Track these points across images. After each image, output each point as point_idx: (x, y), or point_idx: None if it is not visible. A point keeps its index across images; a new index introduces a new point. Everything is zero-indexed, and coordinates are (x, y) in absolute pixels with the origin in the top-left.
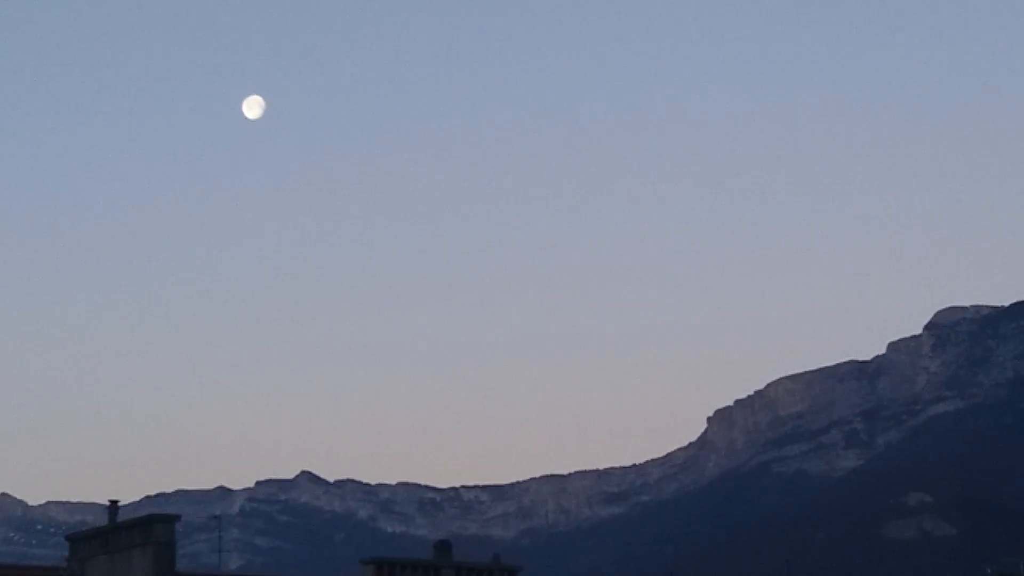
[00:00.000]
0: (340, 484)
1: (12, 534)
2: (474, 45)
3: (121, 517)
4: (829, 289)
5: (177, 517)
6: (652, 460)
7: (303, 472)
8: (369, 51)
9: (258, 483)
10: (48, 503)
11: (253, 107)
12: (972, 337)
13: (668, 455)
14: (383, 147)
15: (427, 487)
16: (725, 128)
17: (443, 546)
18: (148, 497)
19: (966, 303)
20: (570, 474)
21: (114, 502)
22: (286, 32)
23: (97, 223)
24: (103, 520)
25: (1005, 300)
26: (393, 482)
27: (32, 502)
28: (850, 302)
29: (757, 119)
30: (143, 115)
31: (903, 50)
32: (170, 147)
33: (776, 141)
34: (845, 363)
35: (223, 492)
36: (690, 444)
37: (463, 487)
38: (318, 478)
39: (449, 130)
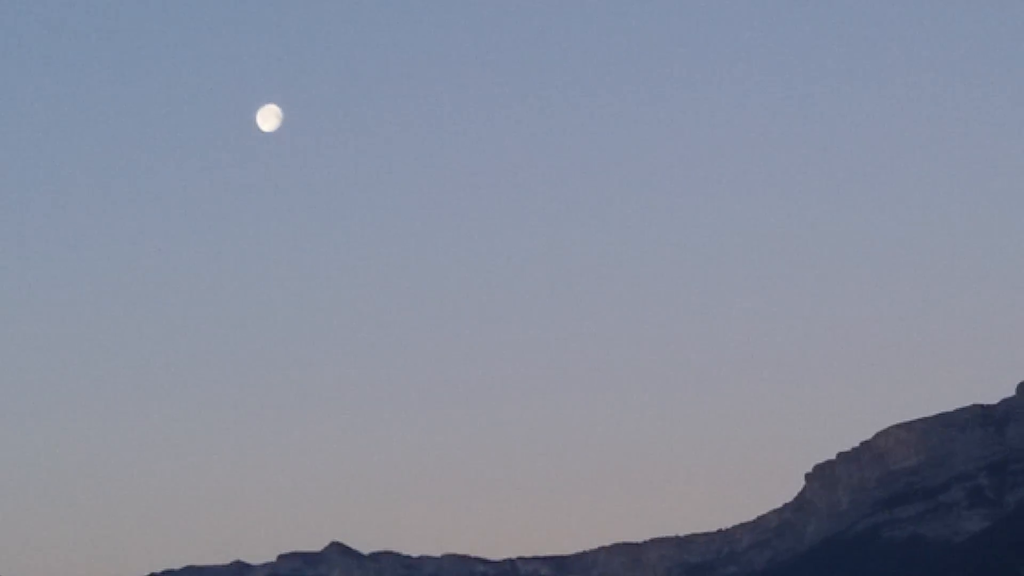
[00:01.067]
0: (376, 557)
1: None
2: (495, 53)
3: None
4: (948, 321)
5: None
6: (741, 524)
7: (333, 543)
8: (388, 55)
9: (281, 557)
10: None
11: (269, 117)
12: None
13: (760, 519)
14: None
15: (478, 559)
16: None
17: None
18: (154, 575)
19: None
20: (645, 542)
21: None
22: (303, 38)
23: (100, 249)
24: None
25: None
26: (438, 554)
27: None
28: (973, 335)
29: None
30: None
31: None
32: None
33: (889, 153)
34: (967, 408)
35: (240, 568)
36: (785, 506)
37: (520, 559)
38: (351, 550)
39: (476, 144)
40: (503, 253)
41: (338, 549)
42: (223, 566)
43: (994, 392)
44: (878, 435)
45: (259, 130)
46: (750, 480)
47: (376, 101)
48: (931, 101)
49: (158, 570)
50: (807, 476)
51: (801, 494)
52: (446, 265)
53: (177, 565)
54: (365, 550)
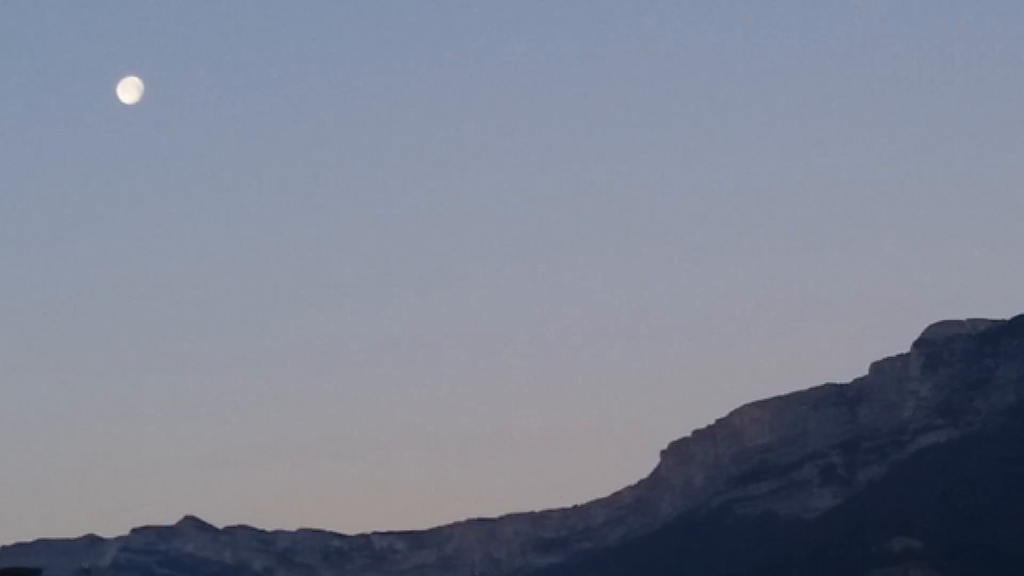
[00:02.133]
0: (231, 531)
1: None
2: (365, 22)
3: None
4: (803, 303)
5: (39, 571)
6: (596, 501)
7: (187, 518)
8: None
9: (134, 531)
10: None
11: (130, 90)
12: (968, 356)
13: (615, 495)
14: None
15: (333, 534)
16: (692, 132)
17: None
18: (5, 547)
19: (962, 317)
20: (500, 518)
21: None
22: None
23: None
24: None
25: (1007, 313)
26: (293, 528)
27: None
28: (828, 317)
29: (739, 123)
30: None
31: (896, 52)
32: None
33: (749, 143)
34: (821, 387)
35: (92, 541)
36: (640, 483)
37: (375, 534)
38: (205, 524)
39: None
40: (357, 235)
41: (192, 523)
42: (75, 540)
43: (847, 372)
44: (733, 413)
45: (119, 102)
46: (605, 457)
47: (238, 73)
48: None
49: (9, 543)
50: (662, 453)
51: (656, 471)
52: (298, 242)
53: (29, 538)
54: (220, 524)
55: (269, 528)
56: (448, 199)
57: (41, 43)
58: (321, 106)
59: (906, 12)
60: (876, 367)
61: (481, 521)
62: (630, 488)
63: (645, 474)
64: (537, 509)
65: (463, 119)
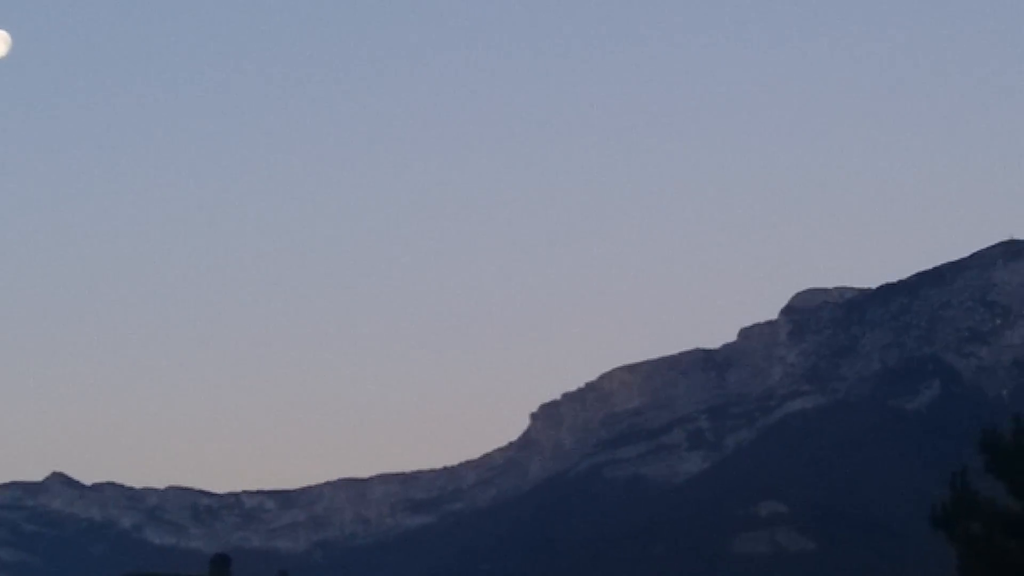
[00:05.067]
0: (99, 488)
1: None
2: None
3: None
4: (672, 268)
5: None
6: (466, 463)
7: (54, 474)
8: None
9: (0, 486)
10: None
11: None
12: (835, 324)
13: (485, 456)
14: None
15: (202, 492)
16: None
17: (220, 561)
18: None
19: (828, 285)
20: (371, 478)
21: None
22: None
23: None
24: None
25: (872, 282)
26: (162, 486)
27: None
28: (697, 283)
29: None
30: None
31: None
32: None
33: (620, 108)
34: (689, 352)
35: None
36: (510, 444)
37: (245, 492)
38: (73, 481)
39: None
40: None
41: (60, 479)
42: None
43: (717, 337)
44: (603, 376)
45: None
46: (475, 419)
47: (106, 24)
48: None
49: None
50: (532, 416)
51: (526, 433)
52: (185, 202)
53: None
54: (88, 480)
55: (138, 485)
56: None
57: None
58: (184, 43)
59: None
60: (744, 333)
61: (351, 481)
62: (500, 450)
63: (515, 436)
64: (407, 470)
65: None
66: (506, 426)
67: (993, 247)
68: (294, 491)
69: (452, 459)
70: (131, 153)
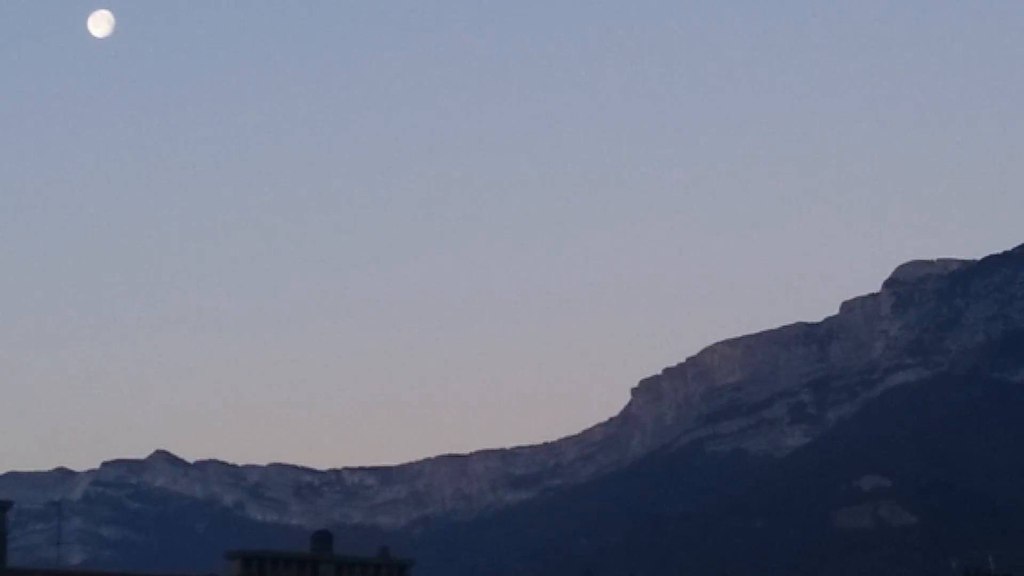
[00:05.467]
0: (201, 465)
1: None
2: None
3: None
4: (774, 242)
5: (9, 504)
6: (567, 438)
7: (158, 452)
8: None
9: (105, 464)
10: None
11: (101, 24)
12: (938, 296)
13: (585, 432)
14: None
15: (304, 469)
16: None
17: (322, 537)
18: None
19: (932, 257)
20: (471, 454)
21: None
22: None
23: None
24: None
25: (977, 254)
26: (264, 463)
27: None
28: (798, 257)
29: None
30: None
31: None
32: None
33: (710, 90)
34: (791, 326)
35: (63, 475)
36: (611, 420)
37: (346, 469)
38: (176, 459)
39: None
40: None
41: (163, 457)
42: (46, 472)
43: (818, 310)
44: (704, 351)
45: (91, 36)
46: (576, 394)
47: (207, 8)
48: None
49: None
50: (633, 391)
51: (627, 408)
52: (271, 185)
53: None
54: (191, 458)
55: (240, 463)
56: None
57: None
58: (291, 40)
59: None
60: (846, 306)
61: (452, 457)
62: (601, 425)
63: (616, 412)
64: (508, 446)
65: None
66: (607, 402)
67: None
68: (395, 467)
69: (552, 435)
70: (228, 131)
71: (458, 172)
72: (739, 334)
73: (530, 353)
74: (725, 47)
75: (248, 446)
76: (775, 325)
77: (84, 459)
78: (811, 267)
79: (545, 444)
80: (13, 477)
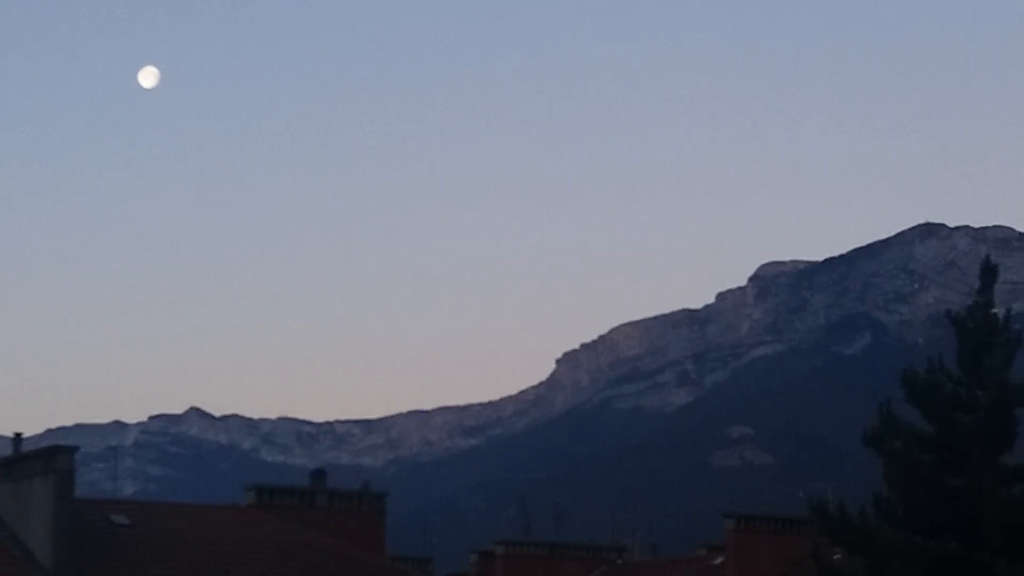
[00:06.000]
0: (225, 419)
1: None
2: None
3: (25, 448)
4: (666, 244)
5: (76, 448)
6: (506, 397)
7: (192, 408)
8: (257, 20)
9: (151, 417)
10: None
11: (148, 77)
12: (790, 288)
13: (521, 392)
14: (276, 115)
15: (304, 421)
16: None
17: (318, 474)
18: (49, 430)
19: (785, 258)
20: (433, 410)
21: (18, 435)
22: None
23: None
24: (8, 451)
25: (819, 256)
26: (274, 417)
27: None
28: (684, 257)
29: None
30: (42, 85)
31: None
32: (69, 116)
33: (599, 90)
34: (679, 311)
35: (119, 426)
36: (540, 383)
37: (337, 421)
38: (206, 413)
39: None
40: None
41: (196, 412)
42: (105, 424)
43: (699, 299)
44: (611, 330)
45: (140, 87)
46: (514, 362)
47: (243, 64)
48: None
49: (53, 426)
50: (557, 361)
51: (552, 375)
52: (312, 207)
53: (69, 422)
54: (217, 413)
55: (256, 416)
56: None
57: (72, 36)
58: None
59: None
60: (720, 296)
61: (418, 412)
62: (532, 387)
63: (544, 377)
64: (461, 403)
65: None
66: (537, 369)
67: (912, 228)
68: (374, 419)
69: (495, 395)
70: (268, 167)
71: (416, 140)
72: (639, 317)
73: (478, 329)
74: (591, 42)
75: (261, 403)
76: (666, 310)
77: (134, 413)
78: (694, 265)
79: (490, 402)
80: (79, 428)
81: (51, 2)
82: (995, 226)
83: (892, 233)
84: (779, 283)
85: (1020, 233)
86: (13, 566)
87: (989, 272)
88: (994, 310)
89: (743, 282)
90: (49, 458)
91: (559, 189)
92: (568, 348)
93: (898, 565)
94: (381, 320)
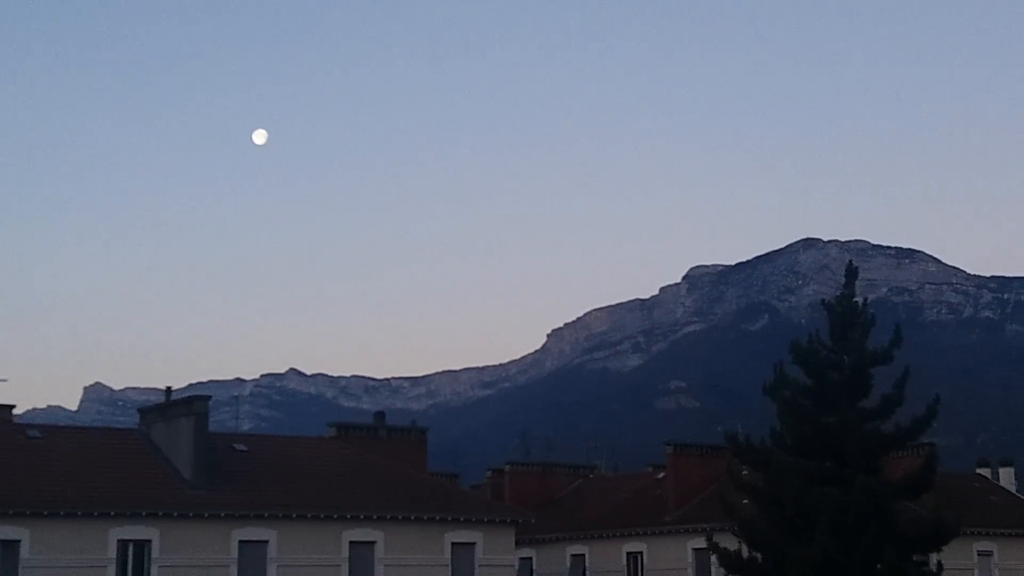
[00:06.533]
0: (314, 376)
1: (103, 408)
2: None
3: (173, 397)
4: (625, 250)
5: (209, 397)
6: (512, 360)
7: (290, 368)
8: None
9: (262, 375)
10: (126, 388)
11: (260, 137)
12: (711, 284)
13: (522, 357)
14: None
15: (370, 378)
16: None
17: (380, 416)
18: (191, 384)
19: (708, 262)
20: (460, 369)
21: (169, 387)
22: (286, 74)
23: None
24: (162, 399)
25: (732, 260)
26: (348, 374)
27: (116, 387)
28: (637, 259)
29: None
30: (174, 141)
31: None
32: (191, 168)
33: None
34: (633, 300)
35: (239, 381)
36: (536, 351)
37: (393, 377)
38: (300, 372)
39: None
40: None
41: (293, 371)
42: (230, 380)
43: (648, 291)
44: (586, 313)
45: (253, 144)
46: (519, 334)
47: (345, 126)
48: None
49: (194, 381)
50: (547, 335)
51: (544, 345)
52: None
53: (204, 379)
54: (308, 372)
55: (335, 374)
56: None
57: (200, 103)
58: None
59: None
60: (663, 289)
61: (449, 371)
62: (530, 353)
63: (539, 346)
64: (480, 365)
65: None
66: (534, 340)
67: (798, 241)
68: (419, 376)
69: (504, 359)
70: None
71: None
72: (605, 304)
73: (492, 312)
74: (529, 56)
75: (340, 363)
76: (625, 299)
77: (250, 371)
78: (644, 266)
79: (500, 364)
80: (212, 383)
81: (186, 71)
82: (856, 239)
83: (783, 245)
84: (704, 280)
85: (874, 244)
86: (167, 480)
87: (851, 273)
88: (855, 299)
89: (679, 279)
90: (190, 404)
91: (553, 210)
92: (556, 326)
93: (787, 479)
94: (426, 308)
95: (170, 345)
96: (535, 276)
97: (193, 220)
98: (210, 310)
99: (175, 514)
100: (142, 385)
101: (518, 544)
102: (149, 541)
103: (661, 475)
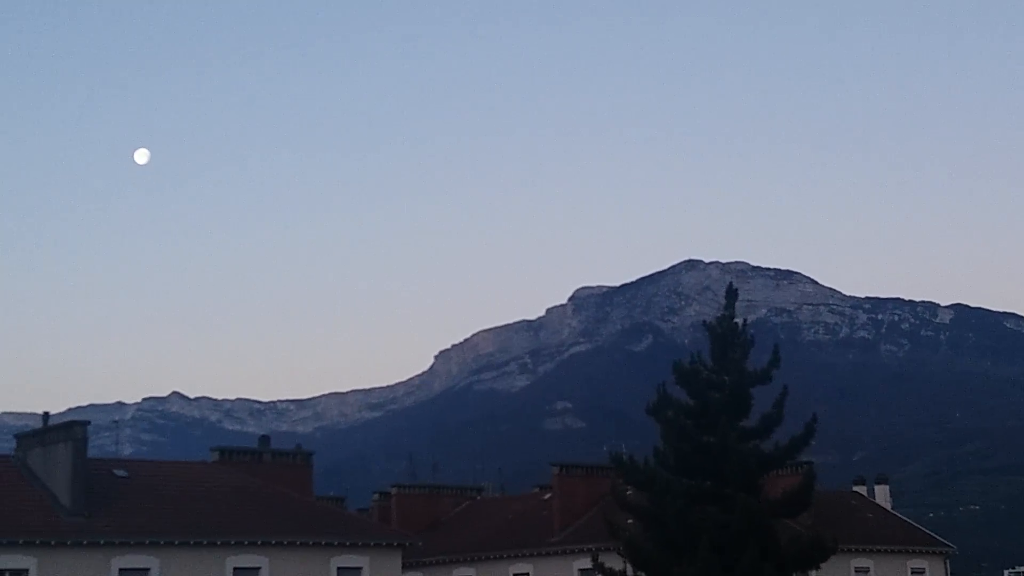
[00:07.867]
0: (198, 399)
1: None
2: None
3: (52, 422)
4: (511, 273)
5: (88, 422)
6: (400, 382)
7: (173, 392)
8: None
9: (144, 399)
10: (2, 413)
11: (142, 156)
12: (596, 305)
13: (410, 379)
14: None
15: (255, 401)
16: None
17: (264, 440)
18: (70, 408)
19: (593, 284)
20: (347, 391)
21: (47, 412)
22: (169, 93)
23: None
24: (40, 424)
25: (617, 282)
26: (233, 398)
27: None
28: (524, 282)
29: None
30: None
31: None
32: (70, 188)
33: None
34: (520, 321)
35: (121, 405)
36: (423, 372)
37: (278, 400)
38: (183, 395)
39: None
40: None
41: (176, 394)
42: (111, 403)
43: (534, 313)
44: (473, 335)
45: (135, 163)
46: (405, 357)
47: (226, 147)
48: None
49: (73, 405)
50: (435, 356)
51: (431, 366)
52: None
53: (84, 403)
54: (192, 395)
55: (219, 397)
56: None
57: (80, 122)
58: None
59: None
60: (549, 311)
61: (336, 393)
62: (418, 375)
63: (426, 367)
64: (367, 387)
65: None
66: (421, 362)
67: (680, 263)
68: (305, 399)
69: (391, 380)
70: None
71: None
72: (492, 325)
73: (379, 334)
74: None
75: (224, 386)
76: (512, 320)
77: (132, 395)
78: (531, 288)
79: (387, 386)
80: (92, 406)
81: (60, 95)
82: (736, 261)
83: (666, 266)
84: (589, 301)
85: (753, 266)
86: (45, 507)
87: (732, 294)
88: (735, 320)
89: (564, 300)
90: (68, 429)
91: (438, 232)
92: (443, 347)
93: (670, 498)
94: (312, 330)
95: (48, 368)
96: (422, 297)
97: (73, 239)
98: (91, 332)
99: (53, 542)
100: (18, 410)
101: (405, 567)
102: (26, 571)
103: (547, 496)
